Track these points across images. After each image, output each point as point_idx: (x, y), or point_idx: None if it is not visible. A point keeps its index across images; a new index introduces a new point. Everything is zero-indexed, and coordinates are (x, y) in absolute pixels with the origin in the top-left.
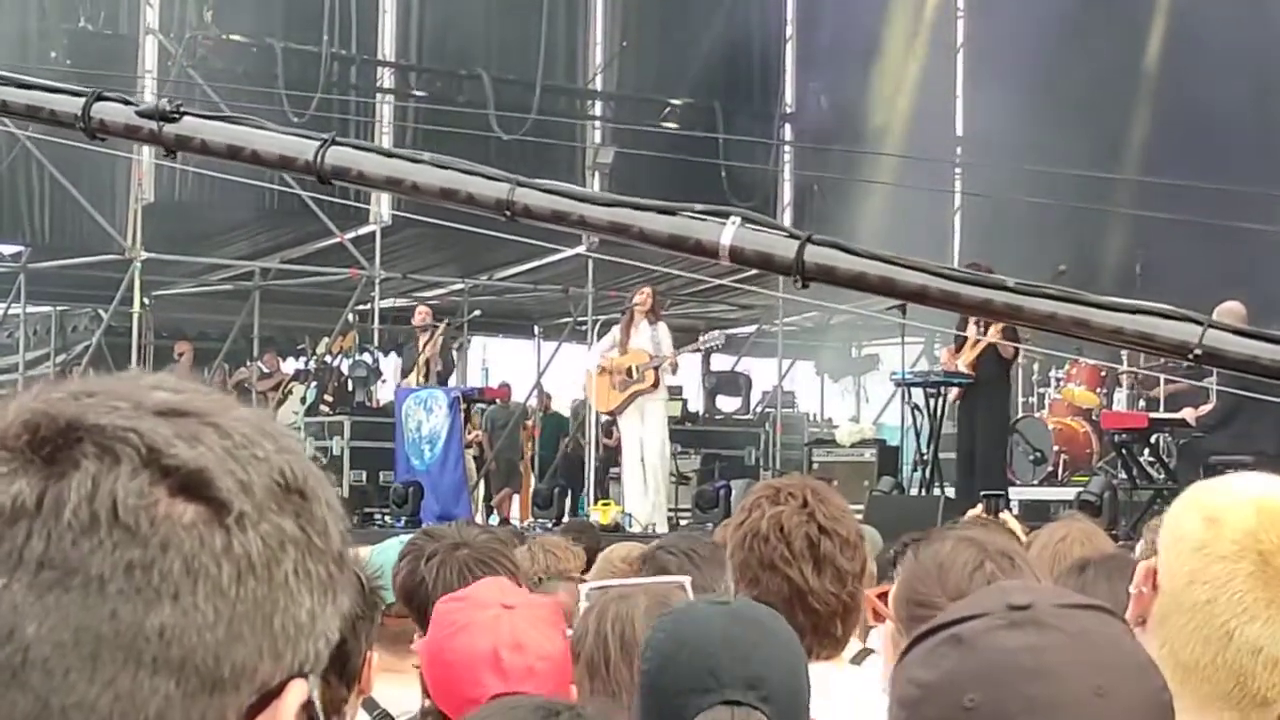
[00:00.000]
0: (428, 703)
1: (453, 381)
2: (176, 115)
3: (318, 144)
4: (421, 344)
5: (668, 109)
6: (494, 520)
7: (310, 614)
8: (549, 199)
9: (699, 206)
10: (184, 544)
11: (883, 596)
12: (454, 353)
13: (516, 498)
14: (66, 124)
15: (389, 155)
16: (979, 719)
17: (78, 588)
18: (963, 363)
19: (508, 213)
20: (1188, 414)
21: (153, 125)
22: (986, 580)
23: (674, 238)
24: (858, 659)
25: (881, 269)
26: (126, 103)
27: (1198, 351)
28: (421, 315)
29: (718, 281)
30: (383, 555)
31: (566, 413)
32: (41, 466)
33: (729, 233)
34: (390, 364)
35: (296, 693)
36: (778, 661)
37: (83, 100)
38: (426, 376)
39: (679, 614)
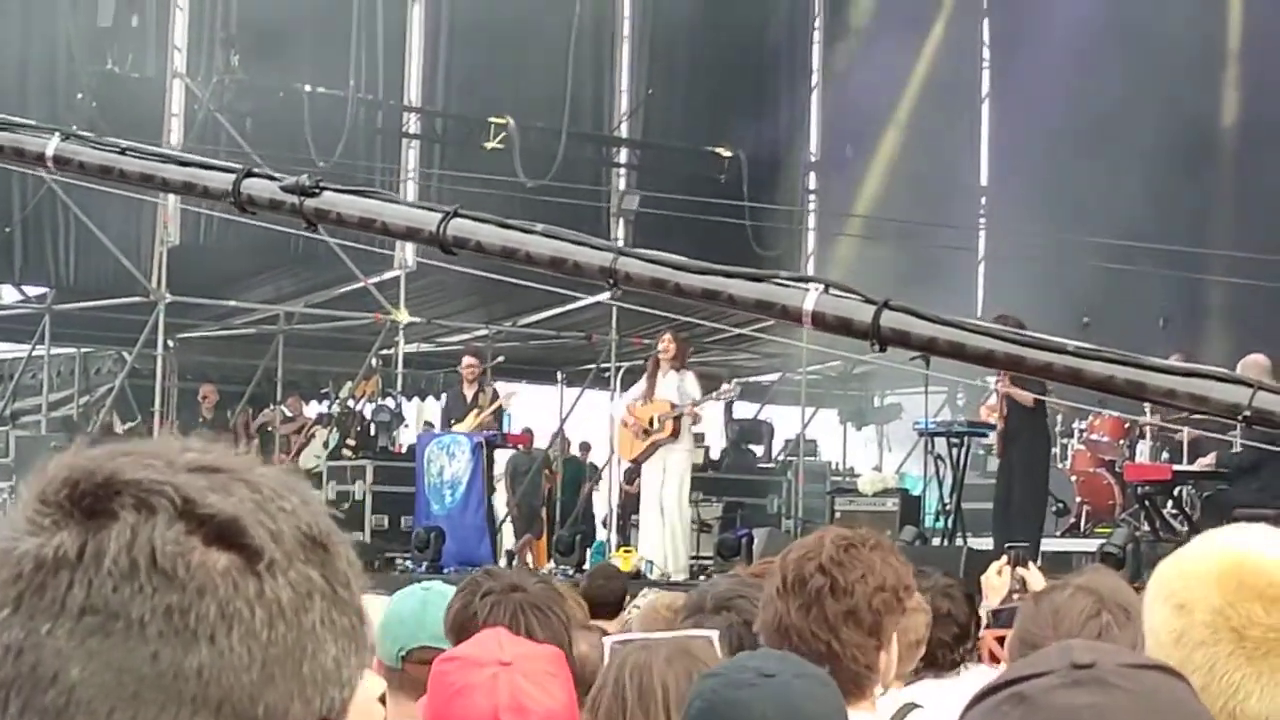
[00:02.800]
0: None
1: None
2: (316, 190)
3: (440, 216)
4: (471, 395)
5: (692, 156)
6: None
7: (336, 662)
8: (648, 267)
9: (784, 274)
10: (219, 589)
11: (1000, 640)
12: (505, 407)
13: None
14: (218, 199)
15: (504, 226)
16: None
17: (119, 632)
18: (997, 414)
19: (611, 280)
20: (1207, 463)
21: (294, 199)
22: (1100, 630)
23: (760, 303)
24: (900, 716)
25: (951, 334)
26: (271, 178)
27: (1248, 413)
28: (470, 367)
29: (738, 331)
30: (403, 603)
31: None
32: (81, 519)
33: (811, 299)
34: (413, 409)
35: None
36: None
37: (233, 177)
38: (484, 426)
39: (721, 688)
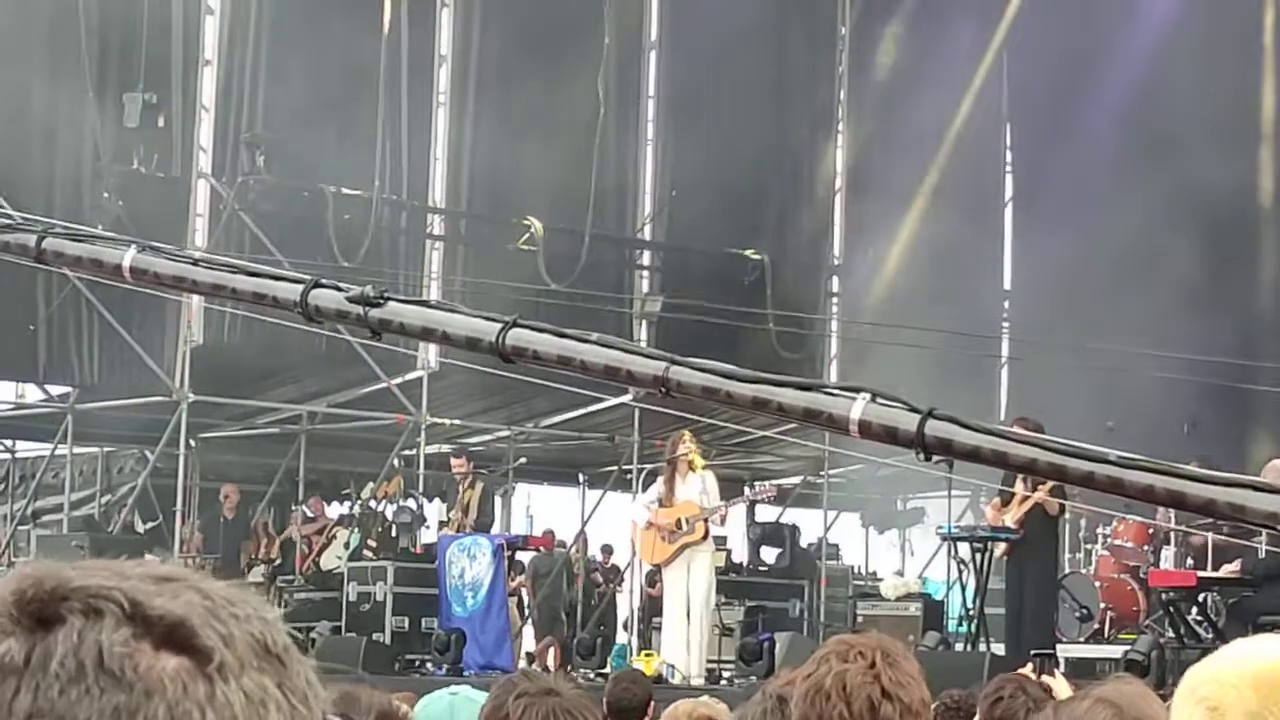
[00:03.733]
0: None
1: (495, 529)
2: (381, 301)
3: (500, 326)
4: (461, 491)
5: (714, 258)
6: (534, 668)
7: None
8: (700, 376)
9: (831, 383)
10: (168, 691)
11: None
12: (495, 501)
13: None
14: (286, 309)
15: (561, 336)
16: None
17: None
18: (1010, 518)
19: (663, 389)
20: (1231, 569)
21: (359, 310)
22: None
23: (808, 411)
24: None
25: (995, 444)
26: (337, 288)
27: None
28: (459, 465)
29: (762, 433)
30: (431, 707)
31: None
32: (29, 625)
33: (858, 408)
34: (434, 510)
35: None
36: None
37: (300, 287)
38: (461, 527)
39: None
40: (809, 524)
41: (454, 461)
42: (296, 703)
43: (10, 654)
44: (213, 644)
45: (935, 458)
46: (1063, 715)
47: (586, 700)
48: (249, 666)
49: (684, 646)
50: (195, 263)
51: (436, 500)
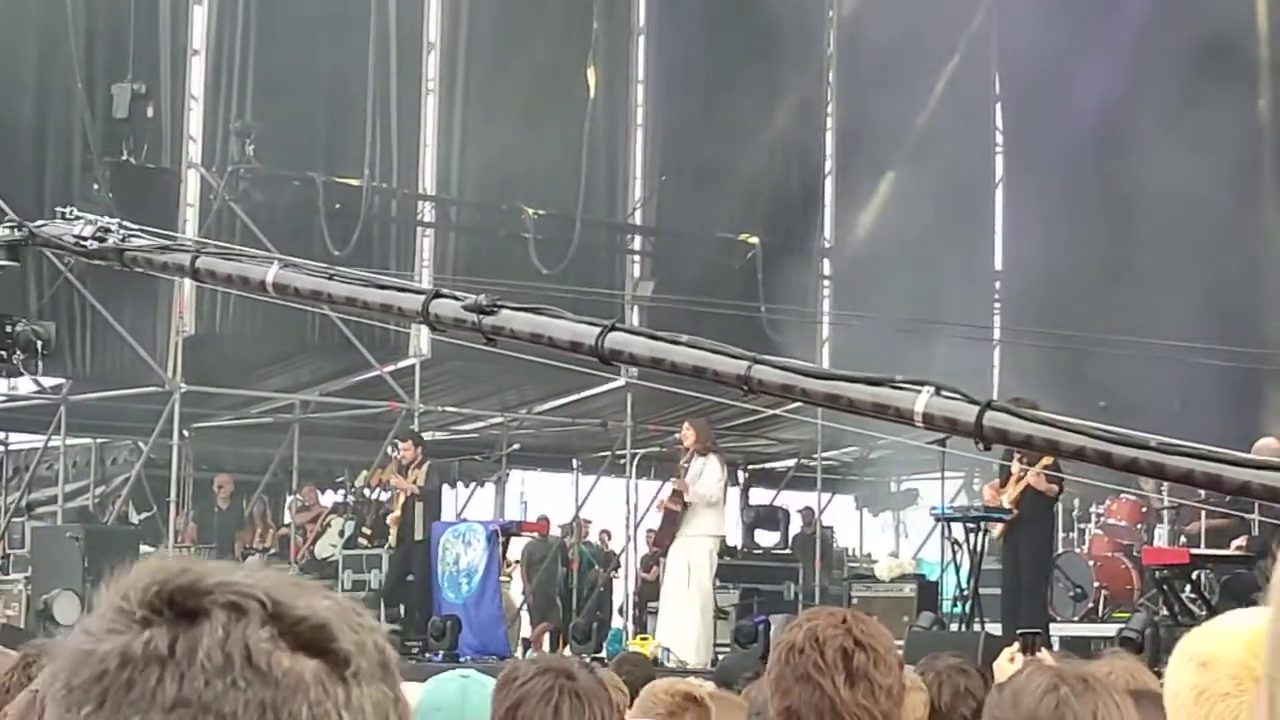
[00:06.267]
0: None
1: (490, 516)
2: (493, 309)
3: (599, 330)
4: (410, 473)
5: (705, 243)
6: (530, 654)
7: None
8: (779, 374)
9: (900, 378)
10: (310, 690)
11: None
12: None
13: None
14: (411, 318)
15: (654, 338)
16: None
17: None
18: (1006, 499)
19: (745, 387)
20: (1239, 544)
21: (474, 318)
22: (1057, 702)
23: (878, 405)
24: None
25: (1048, 432)
26: (454, 297)
27: None
28: (406, 449)
29: (754, 415)
30: (441, 689)
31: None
32: (172, 617)
33: (922, 401)
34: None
35: None
36: None
37: (423, 298)
38: (402, 518)
39: None
40: (802, 506)
41: (402, 446)
42: (402, 711)
43: (154, 642)
44: (350, 650)
45: (929, 439)
46: (1005, 690)
47: (599, 685)
48: (375, 676)
49: (682, 630)
50: (330, 277)
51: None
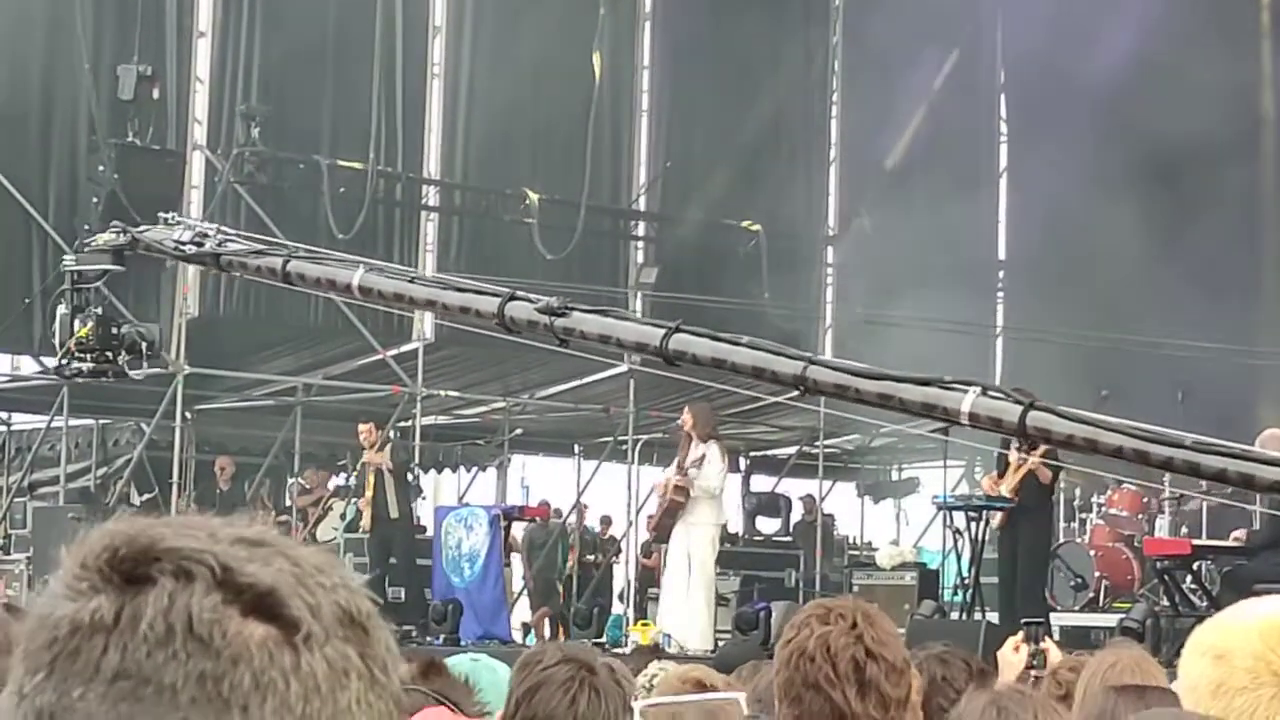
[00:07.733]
0: None
1: (491, 500)
2: (565, 311)
3: (663, 332)
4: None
5: (710, 229)
6: (530, 639)
7: None
8: (834, 375)
9: (948, 378)
10: (254, 659)
11: None
12: (410, 473)
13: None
14: (487, 320)
15: (716, 339)
16: None
17: (150, 697)
18: (1005, 488)
19: (801, 386)
20: (1238, 536)
21: (547, 320)
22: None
23: (926, 405)
24: None
25: (1089, 431)
26: (529, 300)
27: None
28: (365, 431)
29: (756, 403)
30: (454, 670)
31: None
32: (120, 584)
33: (969, 400)
34: (430, 481)
35: None
36: None
37: (499, 301)
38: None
39: None
40: (803, 494)
41: (362, 428)
42: (376, 670)
43: (100, 612)
44: (300, 614)
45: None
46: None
47: (613, 674)
48: (333, 636)
49: (684, 617)
50: (412, 280)
51: (432, 472)
